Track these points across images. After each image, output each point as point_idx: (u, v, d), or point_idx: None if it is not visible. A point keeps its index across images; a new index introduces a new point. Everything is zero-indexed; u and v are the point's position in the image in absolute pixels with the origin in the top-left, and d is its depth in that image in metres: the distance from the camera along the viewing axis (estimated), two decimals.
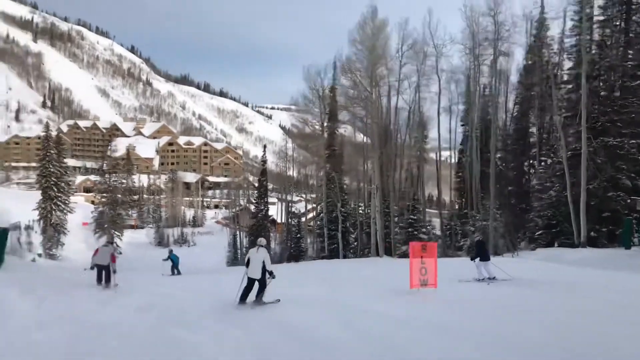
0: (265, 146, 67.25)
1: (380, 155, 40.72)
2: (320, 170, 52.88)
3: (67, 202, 70.85)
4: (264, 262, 12.01)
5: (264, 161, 63.25)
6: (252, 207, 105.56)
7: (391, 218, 41.07)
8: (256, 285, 12.07)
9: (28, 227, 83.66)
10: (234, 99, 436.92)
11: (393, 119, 46.39)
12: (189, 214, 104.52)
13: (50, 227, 67.58)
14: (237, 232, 69.30)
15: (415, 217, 39.36)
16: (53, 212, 67.81)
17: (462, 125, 47.33)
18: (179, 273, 29.82)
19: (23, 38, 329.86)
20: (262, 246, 12.39)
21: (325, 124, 49.94)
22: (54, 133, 72.05)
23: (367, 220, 44.10)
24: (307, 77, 49.89)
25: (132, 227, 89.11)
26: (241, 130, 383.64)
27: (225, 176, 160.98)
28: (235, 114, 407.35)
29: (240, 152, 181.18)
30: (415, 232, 37.14)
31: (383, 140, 42.35)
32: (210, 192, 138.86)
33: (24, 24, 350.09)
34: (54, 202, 67.34)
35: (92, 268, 17.90)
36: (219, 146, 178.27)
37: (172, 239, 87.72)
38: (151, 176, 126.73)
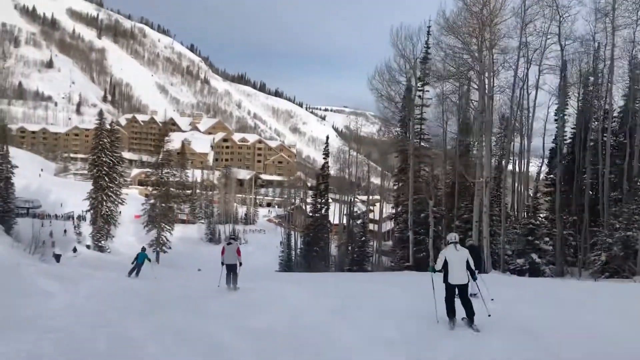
0: (327, 137, 62.20)
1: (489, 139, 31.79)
2: (399, 160, 44.30)
3: (118, 192, 68.96)
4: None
5: (326, 153, 57.95)
6: (307, 207, 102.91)
7: (502, 223, 33.31)
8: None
9: (80, 218, 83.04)
10: (289, 99, 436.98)
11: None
12: (241, 211, 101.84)
13: (100, 218, 65.75)
14: (292, 232, 64.96)
15: (536, 223, 30.69)
16: (104, 202, 65.93)
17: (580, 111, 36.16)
18: (136, 274, 24.32)
19: (88, 34, 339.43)
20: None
21: (416, 94, 40.57)
22: (109, 124, 69.84)
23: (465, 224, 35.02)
24: (396, 41, 39.55)
25: (183, 221, 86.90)
26: (295, 130, 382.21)
27: (279, 174, 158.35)
28: (290, 114, 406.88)
29: (294, 151, 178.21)
30: (537, 242, 29.14)
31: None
32: (262, 190, 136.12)
33: (90, 21, 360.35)
34: (105, 192, 65.41)
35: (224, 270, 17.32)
36: (273, 144, 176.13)
37: (224, 235, 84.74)
38: (205, 171, 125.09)
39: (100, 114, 68.61)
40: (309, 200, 69.47)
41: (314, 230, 51.51)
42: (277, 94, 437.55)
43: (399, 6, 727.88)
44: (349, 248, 46.89)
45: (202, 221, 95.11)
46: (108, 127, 68.78)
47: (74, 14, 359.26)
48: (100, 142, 64.90)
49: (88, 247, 60.55)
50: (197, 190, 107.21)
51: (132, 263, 24.99)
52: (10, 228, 49.97)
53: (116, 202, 68.26)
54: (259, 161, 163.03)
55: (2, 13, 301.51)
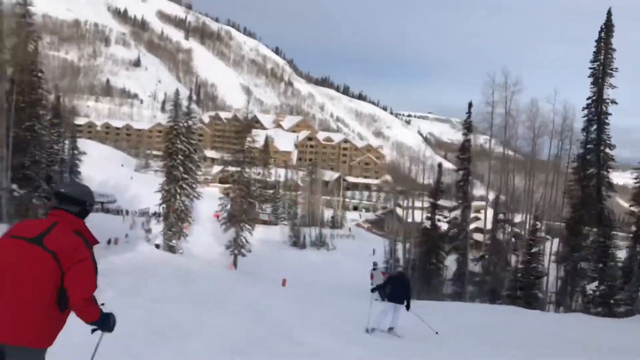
0: (469, 105, 48.48)
1: None
2: None
3: (194, 185, 60.32)
4: None
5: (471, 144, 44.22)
6: (400, 211, 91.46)
7: None
8: None
9: (155, 215, 75.93)
10: (373, 103, 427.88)
11: None
12: (327, 214, 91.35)
13: (173, 214, 57.16)
14: (404, 242, 52.75)
15: None
16: (177, 196, 57.34)
17: None
18: None
19: (176, 35, 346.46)
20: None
21: None
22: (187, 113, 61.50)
23: None
24: None
25: (264, 222, 77.85)
26: (378, 134, 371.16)
27: (365, 177, 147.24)
28: (373, 118, 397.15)
29: (382, 152, 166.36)
30: None
31: None
32: (349, 193, 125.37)
33: (178, 23, 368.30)
34: (178, 184, 56.71)
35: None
36: (359, 144, 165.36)
37: (309, 239, 74.65)
38: (288, 170, 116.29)
39: (177, 93, 59.90)
40: (417, 204, 57.63)
41: (428, 242, 39.59)
42: (361, 97, 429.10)
43: (485, 13, 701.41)
44: (492, 265, 34.18)
45: (285, 223, 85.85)
46: (185, 110, 60.03)
47: (163, 16, 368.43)
48: (175, 127, 56.21)
49: (157, 246, 51.96)
50: (280, 190, 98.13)
51: None
52: None
53: (191, 197, 59.52)
54: (344, 162, 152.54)
55: (95, 14, 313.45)
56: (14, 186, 29.57)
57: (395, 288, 12.58)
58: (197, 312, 12.90)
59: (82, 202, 3.64)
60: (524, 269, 29.16)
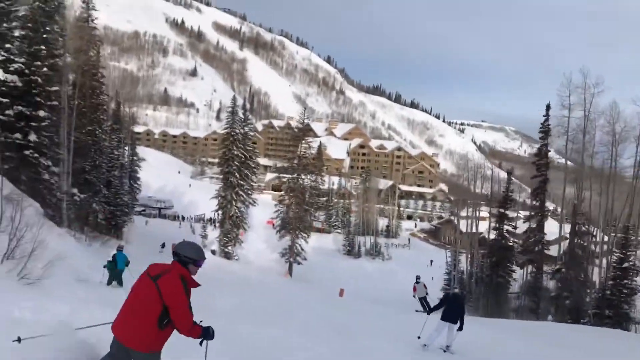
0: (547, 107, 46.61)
1: None
2: None
3: (249, 192, 59.96)
4: None
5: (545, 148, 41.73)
6: (458, 221, 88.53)
7: None
8: None
9: (212, 221, 76.18)
10: (425, 111, 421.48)
11: None
12: (381, 222, 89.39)
13: (229, 220, 56.91)
14: (468, 253, 50.31)
15: None
16: (233, 202, 57.08)
17: None
18: (119, 283, 17.01)
19: (230, 46, 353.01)
20: None
21: None
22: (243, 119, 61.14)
23: None
24: None
25: (318, 230, 76.74)
26: (431, 142, 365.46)
27: (419, 185, 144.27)
28: (426, 126, 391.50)
29: (437, 160, 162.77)
30: None
31: None
32: (403, 202, 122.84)
33: (233, 33, 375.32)
34: (234, 190, 56.47)
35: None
36: (413, 152, 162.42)
37: (364, 248, 73.06)
38: (342, 179, 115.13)
39: (234, 99, 59.86)
40: (483, 213, 55.46)
41: (498, 255, 37.26)
42: (413, 105, 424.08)
43: (540, 21, 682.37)
44: (570, 280, 31.51)
45: (339, 231, 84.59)
46: (241, 116, 59.83)
47: (219, 27, 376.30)
48: (232, 134, 56.01)
49: (213, 252, 51.67)
50: (333, 198, 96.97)
51: (104, 267, 17.83)
52: (117, 226, 41.86)
53: (247, 203, 59.16)
54: (397, 170, 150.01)
55: (154, 25, 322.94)
56: (75, 190, 29.44)
57: (450, 307, 12.67)
58: (284, 333, 12.14)
59: (189, 257, 5.03)
60: (614, 285, 26.58)
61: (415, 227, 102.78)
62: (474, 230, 53.99)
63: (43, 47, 21.25)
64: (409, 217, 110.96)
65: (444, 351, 12.61)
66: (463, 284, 41.09)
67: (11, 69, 19.99)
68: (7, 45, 20.37)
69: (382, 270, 65.29)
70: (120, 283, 16.64)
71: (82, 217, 31.50)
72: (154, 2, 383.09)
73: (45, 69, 21.35)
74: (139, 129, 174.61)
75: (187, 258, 5.01)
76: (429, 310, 13.86)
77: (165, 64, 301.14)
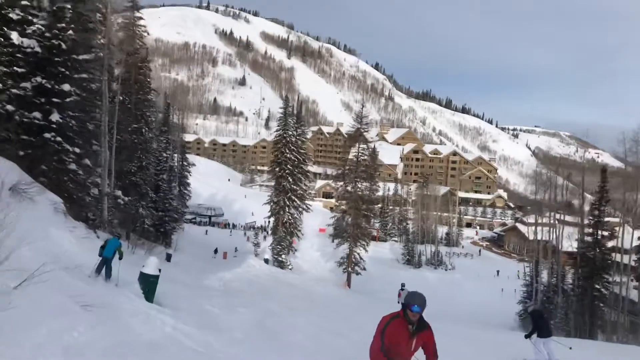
0: None
1: None
2: None
3: (303, 197, 56.73)
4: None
5: None
6: (524, 228, 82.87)
7: None
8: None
9: (263, 229, 73.60)
10: (477, 116, 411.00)
11: None
12: (441, 230, 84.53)
13: (282, 227, 53.78)
14: (554, 265, 44.55)
15: None
16: (286, 208, 53.99)
17: None
18: (107, 275, 12.71)
19: (278, 55, 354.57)
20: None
21: None
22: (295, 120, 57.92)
23: None
24: None
25: (373, 238, 72.73)
26: (483, 148, 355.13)
27: (476, 191, 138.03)
28: (478, 131, 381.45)
29: (495, 165, 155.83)
30: None
31: None
32: (461, 208, 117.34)
33: (281, 43, 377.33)
34: (287, 196, 53.34)
35: None
36: (469, 157, 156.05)
37: (424, 257, 68.56)
38: (397, 185, 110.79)
39: (287, 99, 56.87)
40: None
41: (592, 266, 32.30)
42: (464, 110, 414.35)
43: (590, 27, 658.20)
44: None
45: (396, 239, 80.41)
46: (294, 118, 56.94)
47: (267, 37, 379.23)
48: (285, 136, 52.97)
49: (266, 261, 48.55)
50: (389, 205, 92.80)
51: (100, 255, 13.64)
52: (165, 233, 39.27)
53: (300, 209, 55.94)
54: (452, 176, 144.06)
55: (203, 36, 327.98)
56: (118, 192, 26.64)
57: (539, 324, 12.80)
58: None
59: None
60: None
61: (477, 235, 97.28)
62: (546, 238, 48.76)
63: (68, 6, 17.57)
64: (468, 225, 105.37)
65: None
66: (549, 299, 36.13)
67: (29, 31, 16.50)
68: (24, 2, 16.62)
69: (445, 281, 60.69)
70: (108, 275, 12.77)
71: (126, 222, 28.72)
72: (204, 13, 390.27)
73: (71, 31, 17.45)
74: (189, 137, 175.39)
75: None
76: (527, 335, 13.32)
77: (214, 73, 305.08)
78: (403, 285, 29.36)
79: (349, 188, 49.55)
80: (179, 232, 54.99)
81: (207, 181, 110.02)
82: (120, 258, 12.88)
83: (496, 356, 15.35)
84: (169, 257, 29.35)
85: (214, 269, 32.14)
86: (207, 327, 10.37)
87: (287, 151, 52.57)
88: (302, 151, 56.17)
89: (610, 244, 32.91)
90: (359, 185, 49.33)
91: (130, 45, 29.06)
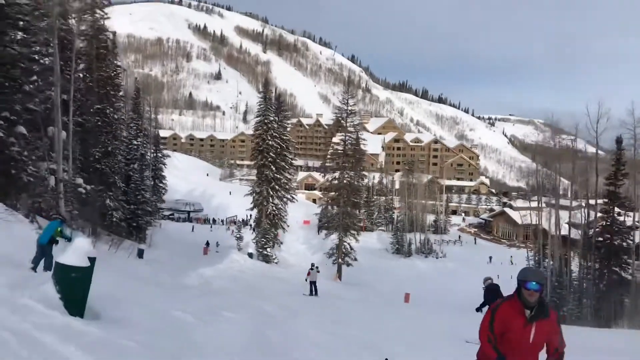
0: None
1: None
2: None
3: (287, 186, 53.49)
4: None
5: None
6: (513, 213, 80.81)
7: None
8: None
9: (244, 223, 70.28)
10: (453, 106, 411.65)
11: None
12: (428, 218, 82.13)
13: (266, 219, 50.45)
14: (567, 253, 41.83)
15: None
16: (270, 198, 50.67)
17: None
18: (46, 266, 10.01)
19: (254, 49, 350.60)
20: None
21: None
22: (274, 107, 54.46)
23: None
24: None
25: (360, 228, 70.06)
26: (461, 137, 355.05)
27: (458, 179, 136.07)
28: (455, 121, 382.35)
29: (477, 152, 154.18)
30: None
31: None
32: (444, 197, 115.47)
33: (256, 37, 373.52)
34: (271, 185, 50.01)
35: None
36: (451, 144, 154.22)
37: (414, 246, 65.95)
38: (381, 174, 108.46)
39: (266, 84, 53.57)
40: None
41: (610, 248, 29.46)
42: (441, 100, 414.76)
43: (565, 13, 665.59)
44: None
45: (382, 228, 77.80)
46: (273, 100, 53.59)
47: (241, 31, 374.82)
48: (265, 122, 49.60)
49: (250, 255, 45.36)
50: (374, 195, 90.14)
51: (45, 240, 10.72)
52: (139, 228, 35.74)
53: (285, 200, 52.67)
54: (434, 164, 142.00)
55: (176, 31, 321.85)
56: (79, 180, 23.07)
57: (493, 298, 12.12)
58: None
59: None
60: None
61: (463, 221, 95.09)
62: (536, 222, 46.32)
63: None
64: (454, 212, 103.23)
65: None
66: (560, 283, 33.33)
67: None
68: None
69: (438, 270, 58.13)
70: (47, 266, 9.84)
71: (91, 215, 25.16)
72: (176, 9, 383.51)
73: None
74: (165, 133, 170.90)
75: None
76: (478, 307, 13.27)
77: (189, 68, 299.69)
78: (313, 264, 27.85)
79: (336, 175, 46.62)
80: (155, 228, 51.41)
81: (185, 177, 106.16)
82: (53, 242, 9.64)
83: None
84: (140, 253, 25.99)
85: (193, 265, 28.90)
86: (171, 352, 6.38)
87: (269, 138, 49.24)
88: (284, 138, 52.91)
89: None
90: (348, 172, 46.47)
91: (87, 11, 25.47)
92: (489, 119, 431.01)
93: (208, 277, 24.89)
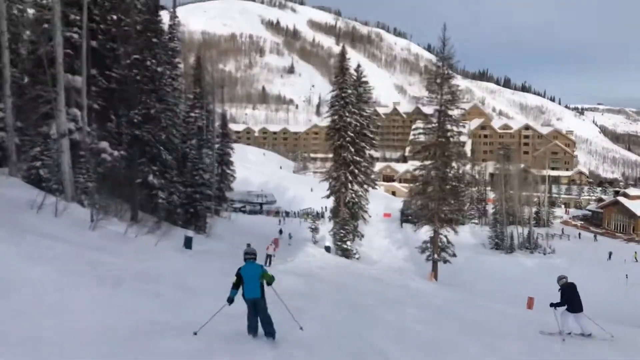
0: None
1: None
2: None
3: (368, 171, 46.39)
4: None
5: None
6: (629, 203, 69.89)
7: None
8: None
9: (319, 215, 64.51)
10: (538, 94, 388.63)
11: None
12: (527, 210, 72.65)
13: (344, 208, 43.63)
14: None
15: None
16: (348, 184, 43.81)
17: None
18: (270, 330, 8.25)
19: (327, 42, 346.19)
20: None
21: None
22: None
23: None
24: None
25: (460, 218, 62.32)
26: (548, 127, 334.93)
27: (553, 168, 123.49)
28: (540, 110, 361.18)
29: (573, 138, 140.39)
30: None
31: None
32: (546, 186, 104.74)
33: (328, 30, 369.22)
34: (349, 169, 43.07)
35: None
36: (544, 130, 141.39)
37: (516, 241, 57.13)
38: (470, 164, 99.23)
39: (343, 51, 46.81)
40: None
41: None
42: (524, 89, 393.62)
43: None
44: None
45: (475, 221, 69.41)
46: (354, 72, 46.75)
47: (314, 25, 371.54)
48: (343, 95, 42.70)
49: (327, 249, 38.93)
50: (462, 185, 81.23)
51: None
52: (197, 215, 29.65)
53: (365, 186, 45.53)
54: (525, 152, 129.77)
55: (250, 27, 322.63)
56: (105, 144, 17.04)
57: (571, 297, 12.65)
58: None
59: None
60: None
61: (567, 213, 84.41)
62: None
63: None
64: (552, 204, 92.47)
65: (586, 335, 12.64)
66: None
67: None
68: None
69: (547, 268, 48.87)
70: (270, 330, 8.25)
71: (125, 193, 19.24)
72: (249, 5, 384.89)
73: None
74: (238, 127, 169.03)
75: None
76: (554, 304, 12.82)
77: (262, 63, 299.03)
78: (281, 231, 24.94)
79: (437, 166, 38.48)
80: (223, 219, 46.10)
81: (258, 169, 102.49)
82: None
83: None
84: (188, 243, 19.72)
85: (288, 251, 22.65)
86: None
87: (347, 114, 42.32)
88: (365, 114, 45.92)
89: None
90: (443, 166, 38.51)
91: None
92: (576, 108, 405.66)
93: (276, 273, 18.57)
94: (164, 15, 26.84)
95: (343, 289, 17.52)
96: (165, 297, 9.77)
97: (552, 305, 12.88)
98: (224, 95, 64.18)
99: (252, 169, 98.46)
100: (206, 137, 33.75)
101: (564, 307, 12.64)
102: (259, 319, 8.13)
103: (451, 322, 13.70)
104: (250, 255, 8.32)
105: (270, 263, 24.20)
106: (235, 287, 8.09)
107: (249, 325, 8.16)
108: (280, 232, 44.58)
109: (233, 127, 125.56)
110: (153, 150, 22.37)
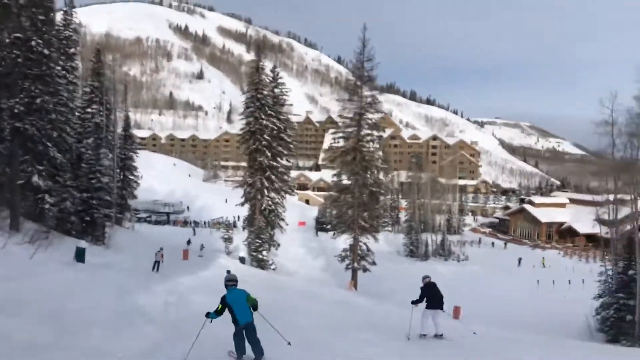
0: None
1: None
2: None
3: (285, 176, 44.21)
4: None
5: None
6: (534, 210, 72.58)
7: None
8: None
9: (231, 224, 61.67)
10: (442, 107, 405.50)
11: None
12: (438, 219, 73.75)
13: (260, 216, 41.13)
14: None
15: None
16: (265, 191, 41.39)
17: None
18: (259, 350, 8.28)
19: (237, 49, 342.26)
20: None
21: None
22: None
23: None
24: None
25: (379, 226, 61.75)
26: (453, 138, 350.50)
27: (460, 177, 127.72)
28: (444, 122, 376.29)
29: (477, 149, 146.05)
30: None
31: None
32: (457, 195, 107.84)
33: (239, 37, 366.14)
34: (265, 175, 40.71)
35: None
36: (450, 141, 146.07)
37: (431, 248, 57.18)
38: (383, 172, 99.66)
39: (258, 50, 44.55)
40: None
41: None
42: (429, 102, 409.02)
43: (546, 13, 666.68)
44: None
45: (389, 229, 69.35)
46: (269, 73, 44.58)
47: (224, 31, 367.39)
48: (258, 97, 40.47)
49: (242, 260, 36.37)
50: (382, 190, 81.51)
51: None
52: (93, 223, 26.08)
53: (282, 193, 43.29)
54: (433, 162, 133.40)
55: (157, 31, 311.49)
56: None
57: (431, 294, 13.29)
58: None
59: None
60: None
61: (475, 221, 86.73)
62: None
63: None
64: (461, 211, 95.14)
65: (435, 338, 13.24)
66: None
67: None
68: None
69: (463, 275, 49.31)
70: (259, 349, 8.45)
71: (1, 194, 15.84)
72: (157, 9, 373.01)
73: None
74: (143, 133, 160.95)
75: None
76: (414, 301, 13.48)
77: (170, 67, 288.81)
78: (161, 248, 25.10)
79: (356, 175, 36.87)
80: (128, 229, 42.35)
81: (164, 178, 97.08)
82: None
83: None
84: (80, 255, 16.55)
85: (167, 272, 19.69)
86: None
87: (263, 116, 40.08)
88: (282, 117, 43.78)
89: None
90: (362, 174, 37.06)
91: None
92: (477, 121, 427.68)
93: (185, 289, 15.84)
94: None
95: (276, 310, 15.20)
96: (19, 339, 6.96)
97: (413, 302, 13.41)
98: (127, 95, 59.59)
99: (158, 177, 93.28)
100: (105, 137, 30.11)
101: (424, 306, 13.21)
102: (248, 342, 8.23)
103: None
104: (232, 282, 8.43)
105: (158, 269, 23.08)
106: (218, 313, 8.24)
107: (236, 347, 8.33)
108: (189, 242, 41.35)
109: (138, 133, 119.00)
110: (38, 146, 18.91)
